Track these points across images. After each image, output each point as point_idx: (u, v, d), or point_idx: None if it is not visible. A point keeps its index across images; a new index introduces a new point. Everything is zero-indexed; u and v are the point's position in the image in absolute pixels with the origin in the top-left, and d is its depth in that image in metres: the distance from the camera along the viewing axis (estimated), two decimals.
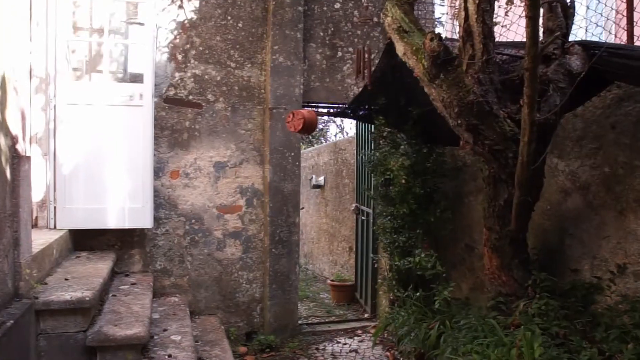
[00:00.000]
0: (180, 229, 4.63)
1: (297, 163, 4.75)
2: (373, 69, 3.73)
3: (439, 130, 3.45)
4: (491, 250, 3.01)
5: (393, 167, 3.54)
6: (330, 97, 4.95)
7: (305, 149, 9.38)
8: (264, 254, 4.82)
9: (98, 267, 3.56)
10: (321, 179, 8.06)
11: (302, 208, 9.27)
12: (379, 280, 5.07)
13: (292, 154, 4.73)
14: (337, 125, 11.12)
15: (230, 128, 4.74)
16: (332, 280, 6.52)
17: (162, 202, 4.57)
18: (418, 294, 3.82)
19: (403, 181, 3.53)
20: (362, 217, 5.84)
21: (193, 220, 4.66)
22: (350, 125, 11.69)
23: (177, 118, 4.61)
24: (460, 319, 3.02)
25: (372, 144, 5.34)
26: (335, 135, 12.69)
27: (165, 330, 3.46)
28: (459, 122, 2.68)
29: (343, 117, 3.89)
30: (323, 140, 13.27)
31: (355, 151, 6.36)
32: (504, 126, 2.64)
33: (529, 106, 2.35)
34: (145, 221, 4.24)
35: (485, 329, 2.72)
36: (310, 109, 4.51)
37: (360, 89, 4.17)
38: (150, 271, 4.55)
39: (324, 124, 12.94)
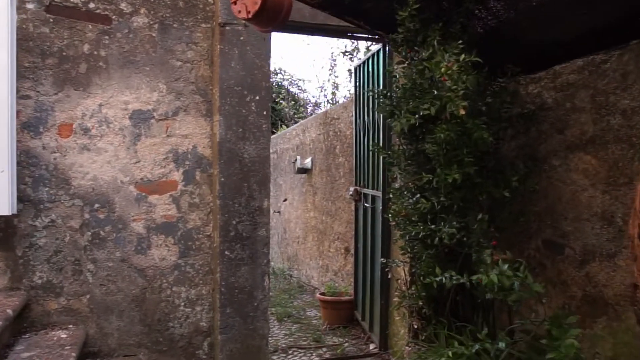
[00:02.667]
0: (76, 218, 2.84)
1: (264, 112, 2.98)
2: None
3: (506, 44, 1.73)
4: None
5: (448, 70, 1.79)
6: None
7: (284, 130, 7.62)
8: (213, 258, 3.05)
9: None
10: (308, 161, 6.31)
11: (285, 200, 7.49)
12: (395, 299, 3.32)
13: (257, 97, 2.96)
14: (326, 96, 9.19)
15: (158, 57, 2.97)
16: (322, 294, 4.76)
17: (43, 175, 2.78)
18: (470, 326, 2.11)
19: (462, 111, 1.78)
20: (366, 204, 4.09)
21: (97, 205, 2.88)
22: (345, 90, 9.39)
23: (68, 38, 2.82)
24: None
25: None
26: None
27: None
28: None
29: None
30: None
31: (353, 116, 4.61)
32: None
33: None
34: (1, 205, 2.47)
35: None
36: None
37: None
38: (25, 288, 2.77)
39: (313, 102, 11.02)
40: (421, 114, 2.10)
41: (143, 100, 2.94)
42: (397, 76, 2.52)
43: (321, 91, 8.44)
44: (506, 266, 1.76)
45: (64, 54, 2.81)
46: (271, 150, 8.70)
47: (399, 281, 3.26)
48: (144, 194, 2.95)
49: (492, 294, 1.87)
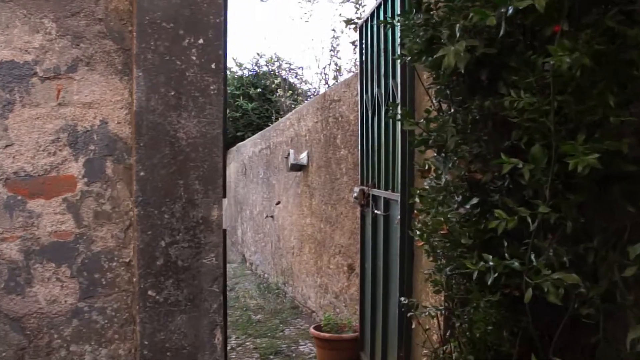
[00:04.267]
0: None
1: (214, 65, 1.84)
2: None
3: None
4: None
5: None
6: None
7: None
8: (132, 300, 1.92)
9: None
10: (303, 155, 5.18)
11: (279, 203, 6.36)
12: (424, 359, 2.19)
13: (201, 41, 1.83)
14: (327, 82, 7.80)
15: None
16: (317, 328, 3.62)
17: None
18: None
19: None
20: (376, 211, 2.96)
21: None
22: (350, 62, 7.82)
23: None
24: None
25: (392, 68, 2.55)
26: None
27: None
28: None
29: None
30: None
31: (359, 92, 3.48)
32: None
33: None
34: None
35: None
36: None
37: None
38: None
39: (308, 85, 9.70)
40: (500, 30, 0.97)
41: (17, 47, 1.82)
42: None
43: (322, 77, 7.30)
44: None
45: None
46: (264, 145, 7.57)
47: (428, 331, 2.12)
48: (19, 197, 1.83)
49: None
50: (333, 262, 4.52)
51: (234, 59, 10.39)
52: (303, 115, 5.38)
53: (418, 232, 1.84)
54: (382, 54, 2.83)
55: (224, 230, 1.91)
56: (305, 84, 10.29)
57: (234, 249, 10.56)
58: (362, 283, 3.37)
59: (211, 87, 1.82)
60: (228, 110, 10.33)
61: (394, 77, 2.62)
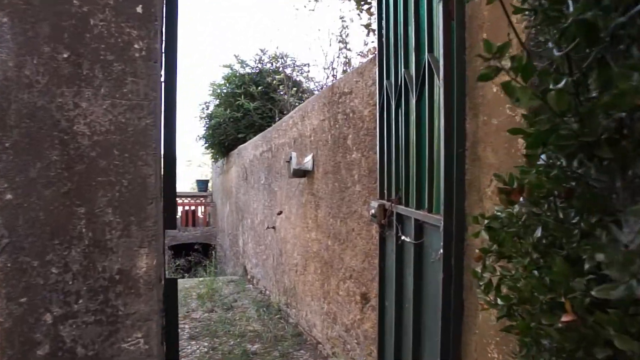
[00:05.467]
0: None
1: (141, 9, 1.07)
2: None
3: None
4: None
5: None
6: None
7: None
8: None
9: None
10: (307, 159, 4.41)
11: (280, 213, 5.60)
12: None
13: None
14: (335, 77, 6.63)
15: None
16: None
17: None
18: None
19: None
20: (404, 237, 2.17)
21: None
22: (360, 56, 6.58)
23: None
24: None
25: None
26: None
27: None
28: None
29: None
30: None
31: (377, 78, 2.72)
32: None
33: None
34: None
35: None
36: None
37: None
38: None
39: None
40: None
41: None
42: None
43: (330, 72, 6.47)
44: None
45: None
46: (265, 147, 6.79)
47: None
48: None
49: None
50: (343, 288, 3.75)
51: (236, 56, 9.66)
52: (307, 112, 4.61)
53: (483, 289, 1.09)
54: (412, 22, 2.05)
55: (171, 283, 1.15)
56: (311, 81, 9.52)
57: (235, 259, 9.81)
58: (381, 325, 2.59)
59: (135, 46, 1.06)
60: (228, 111, 9.52)
61: (431, 50, 1.84)
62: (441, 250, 1.69)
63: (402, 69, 2.16)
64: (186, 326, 5.38)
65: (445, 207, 1.65)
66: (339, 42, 6.12)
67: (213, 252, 10.50)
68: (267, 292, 6.66)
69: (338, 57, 6.27)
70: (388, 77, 2.42)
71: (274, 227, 6.05)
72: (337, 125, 3.83)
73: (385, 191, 2.43)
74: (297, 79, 9.04)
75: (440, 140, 1.71)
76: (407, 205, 2.14)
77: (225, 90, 9.46)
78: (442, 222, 1.67)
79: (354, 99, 3.49)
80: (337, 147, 3.80)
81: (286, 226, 5.48)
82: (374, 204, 2.48)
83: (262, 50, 9.43)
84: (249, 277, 8.17)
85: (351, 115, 3.54)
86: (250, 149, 7.96)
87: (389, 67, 2.40)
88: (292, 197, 5.19)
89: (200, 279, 8.21)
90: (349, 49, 6.16)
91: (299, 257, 5.02)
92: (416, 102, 2.00)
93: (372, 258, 3.16)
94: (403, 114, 2.18)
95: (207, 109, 10.00)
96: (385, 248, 2.50)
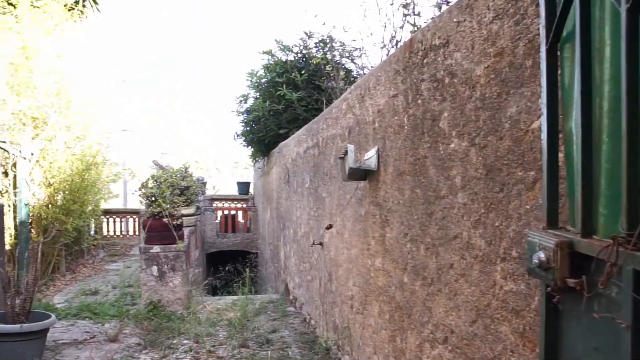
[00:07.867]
0: None
1: None
2: None
3: None
4: None
5: None
6: None
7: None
8: None
9: None
10: (370, 155, 3.10)
11: (330, 227, 4.32)
12: None
13: None
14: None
15: None
16: None
17: None
18: None
19: None
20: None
21: None
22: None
23: None
24: None
25: None
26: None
27: None
28: None
29: None
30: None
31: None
32: None
33: None
34: None
35: None
36: None
37: None
38: None
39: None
40: None
41: None
42: None
43: (389, 48, 5.03)
44: None
45: None
46: (310, 143, 5.45)
47: None
48: None
49: None
50: (430, 355, 2.40)
51: (277, 41, 8.46)
52: (369, 89, 3.30)
53: None
54: None
55: None
56: (363, 70, 8.17)
57: (276, 273, 8.61)
58: None
59: None
60: (267, 103, 8.16)
61: None
62: None
63: None
64: None
65: None
66: (403, 6, 4.76)
67: (251, 262, 9.31)
68: (313, 321, 5.39)
69: (402, 27, 4.91)
70: None
71: (321, 244, 4.78)
72: (419, 101, 2.49)
73: (580, 215, 1.08)
74: (347, 67, 7.74)
75: None
76: None
77: (264, 80, 8.29)
78: None
79: (453, 54, 2.14)
80: (421, 134, 2.47)
81: (337, 244, 4.18)
82: (545, 240, 1.14)
83: (307, 33, 8.18)
84: (290, 297, 6.93)
85: (447, 80, 2.20)
86: (292, 146, 6.73)
87: None
88: (346, 207, 3.89)
89: (235, 297, 7.05)
90: (418, 14, 4.80)
91: (355, 288, 3.71)
92: None
93: (495, 323, 1.82)
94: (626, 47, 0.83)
95: (245, 101, 8.86)
96: (566, 331, 1.15)
